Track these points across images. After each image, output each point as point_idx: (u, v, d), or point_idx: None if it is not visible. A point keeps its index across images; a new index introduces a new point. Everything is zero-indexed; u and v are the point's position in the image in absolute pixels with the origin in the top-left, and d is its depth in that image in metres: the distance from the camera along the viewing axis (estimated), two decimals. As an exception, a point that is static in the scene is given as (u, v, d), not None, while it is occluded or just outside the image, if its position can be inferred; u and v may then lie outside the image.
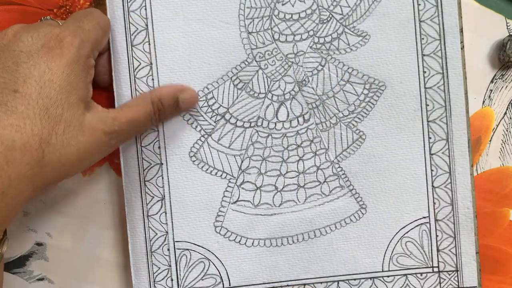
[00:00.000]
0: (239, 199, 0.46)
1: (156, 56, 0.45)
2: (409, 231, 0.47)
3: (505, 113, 0.49)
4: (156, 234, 0.46)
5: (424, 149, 0.47)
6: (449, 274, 0.47)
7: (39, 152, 0.36)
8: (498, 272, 0.50)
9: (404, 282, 0.47)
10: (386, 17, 0.46)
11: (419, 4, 0.46)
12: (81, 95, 0.40)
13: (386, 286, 0.47)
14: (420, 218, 0.47)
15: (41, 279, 0.47)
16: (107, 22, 0.43)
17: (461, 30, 0.46)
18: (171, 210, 0.46)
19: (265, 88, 0.46)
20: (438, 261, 0.47)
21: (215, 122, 0.46)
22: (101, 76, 0.44)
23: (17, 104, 0.36)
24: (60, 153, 0.37)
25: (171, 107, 0.44)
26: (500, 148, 0.50)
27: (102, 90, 0.46)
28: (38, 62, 0.37)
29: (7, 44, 0.38)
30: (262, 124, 0.46)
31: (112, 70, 0.45)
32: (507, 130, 0.49)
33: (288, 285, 0.47)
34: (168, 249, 0.46)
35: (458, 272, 0.47)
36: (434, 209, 0.47)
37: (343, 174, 0.47)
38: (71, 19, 0.41)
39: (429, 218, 0.47)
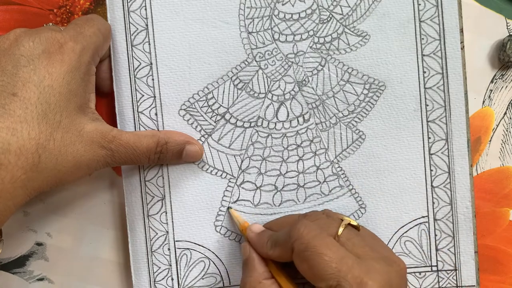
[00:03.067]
0: (239, 199, 0.46)
1: (156, 56, 0.45)
2: (408, 230, 0.47)
3: (505, 113, 0.49)
4: (157, 233, 0.46)
5: (424, 149, 0.47)
6: (448, 273, 0.47)
7: (35, 157, 0.36)
8: (498, 272, 0.50)
9: (404, 282, 0.47)
10: (386, 17, 0.46)
11: (419, 4, 0.46)
12: (81, 103, 0.39)
13: (386, 285, 0.47)
14: (419, 218, 0.47)
15: (41, 279, 0.47)
16: (108, 28, 0.43)
17: (461, 30, 0.46)
18: (171, 210, 0.46)
19: (265, 88, 0.46)
20: (437, 260, 0.47)
21: (215, 122, 0.46)
22: (103, 82, 0.44)
23: (14, 108, 0.36)
24: (57, 159, 0.37)
25: (173, 154, 0.44)
26: (500, 148, 0.50)
27: (102, 96, 0.46)
28: (38, 67, 0.37)
29: (8, 47, 0.38)
30: (262, 124, 0.46)
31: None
32: (507, 130, 0.50)
33: (287, 284, 0.47)
34: (169, 249, 0.46)
35: (457, 271, 0.47)
36: (433, 208, 0.47)
37: (342, 174, 0.47)
38: (72, 24, 0.41)
39: (428, 218, 0.47)
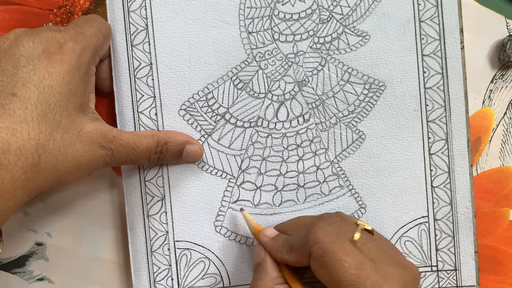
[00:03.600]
0: (239, 199, 0.46)
1: (156, 56, 0.45)
2: (408, 230, 0.47)
3: (505, 113, 0.49)
4: (156, 234, 0.46)
5: (424, 149, 0.47)
6: (448, 273, 0.47)
7: (35, 157, 0.36)
8: (498, 272, 0.50)
9: (404, 282, 0.47)
10: (386, 17, 0.46)
11: (419, 4, 0.46)
12: (81, 103, 0.39)
13: (386, 285, 0.47)
14: (419, 218, 0.47)
15: (41, 279, 0.47)
16: (108, 28, 0.43)
17: (461, 30, 0.46)
18: (171, 210, 0.46)
19: (265, 88, 0.46)
20: (437, 260, 0.47)
21: (215, 122, 0.46)
22: (103, 82, 0.44)
23: (14, 108, 0.36)
24: (56, 159, 0.37)
25: (173, 154, 0.44)
26: (500, 148, 0.50)
27: (102, 97, 0.46)
28: (38, 67, 0.37)
29: (8, 48, 0.38)
30: (262, 124, 0.46)
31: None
32: (507, 130, 0.50)
33: (287, 284, 0.47)
34: (169, 249, 0.46)
35: (457, 271, 0.47)
36: (433, 208, 0.47)
37: (342, 174, 0.47)
38: (72, 24, 0.41)
39: (428, 218, 0.47)
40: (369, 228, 0.39)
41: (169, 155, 0.44)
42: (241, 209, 0.46)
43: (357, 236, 0.38)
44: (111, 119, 0.45)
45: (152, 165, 0.45)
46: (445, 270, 0.47)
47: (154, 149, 0.42)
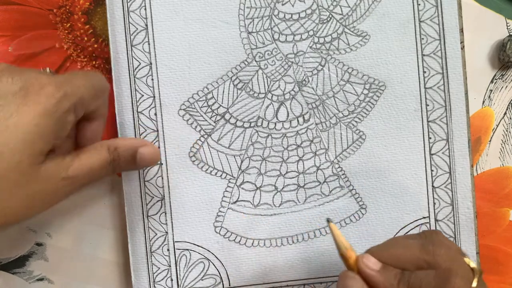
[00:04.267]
0: (239, 199, 0.46)
1: (156, 56, 0.45)
2: (409, 231, 0.47)
3: (505, 113, 0.49)
4: (156, 234, 0.46)
5: (424, 149, 0.46)
6: (449, 275, 0.47)
7: None
8: (498, 272, 0.50)
9: (404, 282, 0.47)
10: (386, 17, 0.46)
11: (419, 4, 0.46)
12: (46, 148, 0.37)
13: (386, 286, 0.47)
14: (420, 218, 0.47)
15: (41, 279, 0.47)
16: (104, 86, 0.41)
17: (461, 30, 0.46)
18: (171, 210, 0.46)
19: (265, 88, 0.46)
20: (438, 262, 0.47)
21: (215, 122, 0.46)
22: (87, 142, 0.42)
23: None
24: (2, 204, 0.35)
25: (126, 159, 0.41)
26: (500, 148, 0.49)
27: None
28: (9, 104, 0.35)
29: None
30: (262, 124, 0.46)
31: (101, 140, 0.42)
32: (507, 130, 0.49)
33: (288, 285, 0.47)
34: (168, 249, 0.46)
35: (458, 272, 0.47)
36: (434, 209, 0.47)
37: (343, 174, 0.47)
38: (68, 73, 0.39)
39: (429, 218, 0.47)
40: (479, 271, 0.37)
41: (122, 160, 0.41)
42: (328, 220, 0.40)
43: (474, 284, 0.36)
44: (111, 121, 0.45)
45: (111, 175, 0.44)
46: (447, 272, 0.47)
47: (108, 159, 0.41)
